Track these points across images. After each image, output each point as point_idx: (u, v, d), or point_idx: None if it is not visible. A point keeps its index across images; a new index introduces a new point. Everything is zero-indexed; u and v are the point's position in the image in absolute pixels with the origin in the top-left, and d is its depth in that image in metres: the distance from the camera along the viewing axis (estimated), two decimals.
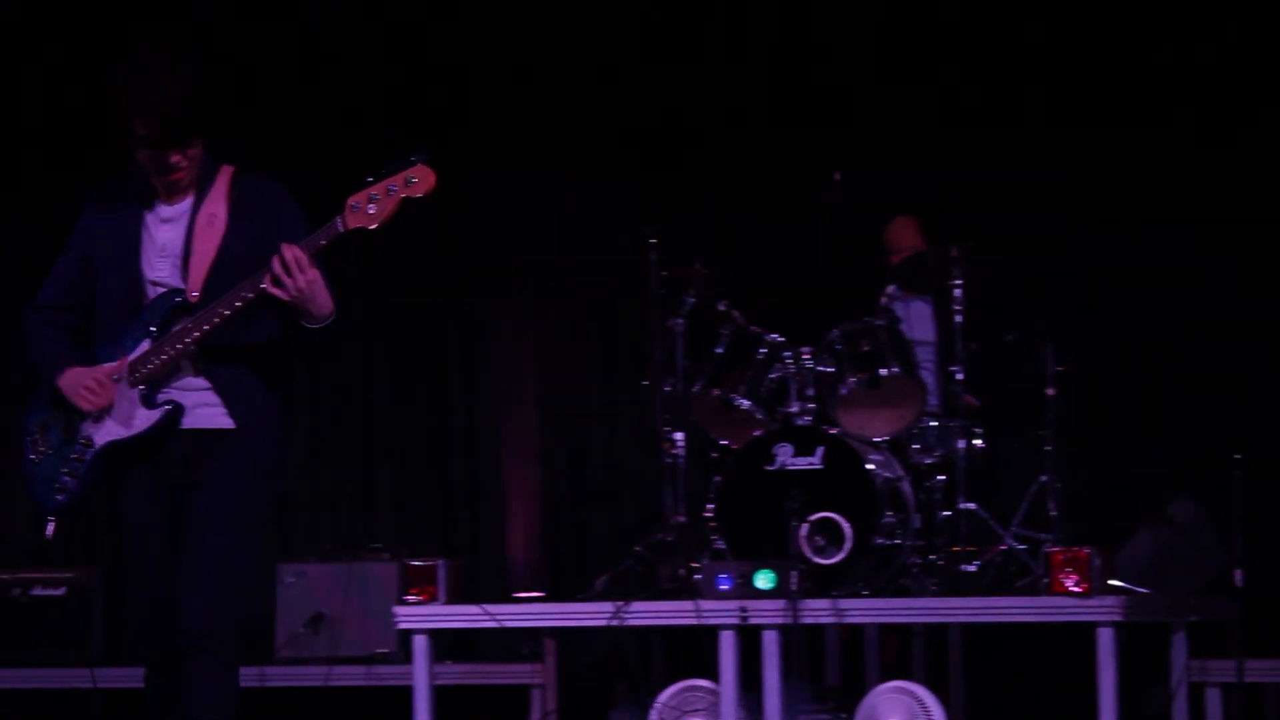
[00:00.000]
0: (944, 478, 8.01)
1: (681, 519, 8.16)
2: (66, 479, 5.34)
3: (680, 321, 8.26)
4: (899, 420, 7.97)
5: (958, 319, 8.03)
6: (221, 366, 5.34)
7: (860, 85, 9.03)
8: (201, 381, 5.34)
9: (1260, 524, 8.10)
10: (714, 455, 8.21)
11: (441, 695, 7.78)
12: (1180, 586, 7.89)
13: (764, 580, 7.43)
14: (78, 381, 5.35)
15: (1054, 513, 7.97)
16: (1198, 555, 7.99)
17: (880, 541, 7.64)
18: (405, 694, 7.76)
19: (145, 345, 5.31)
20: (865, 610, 7.55)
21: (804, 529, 7.58)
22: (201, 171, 5.40)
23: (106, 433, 5.33)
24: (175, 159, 5.27)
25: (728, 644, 7.35)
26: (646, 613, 7.56)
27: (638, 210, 8.82)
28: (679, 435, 8.24)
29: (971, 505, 7.90)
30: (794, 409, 7.94)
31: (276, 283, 5.15)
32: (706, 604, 7.45)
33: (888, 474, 7.83)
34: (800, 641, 7.39)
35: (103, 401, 5.32)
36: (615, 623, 7.51)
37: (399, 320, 9.69)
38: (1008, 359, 8.38)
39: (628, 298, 8.82)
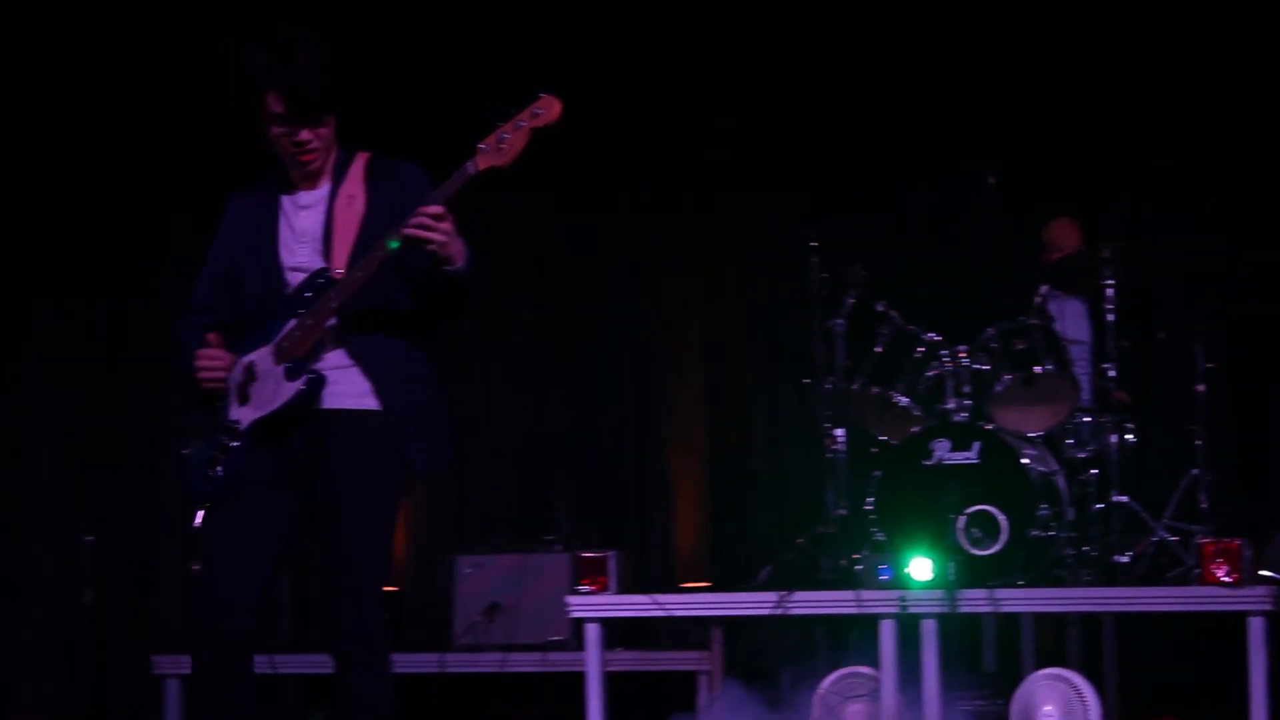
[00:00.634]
0: (1097, 471, 8.04)
1: (842, 512, 8.25)
2: (216, 467, 5.21)
3: (840, 321, 8.33)
4: (1053, 416, 8.04)
5: (1110, 318, 8.08)
6: (366, 342, 5.18)
7: (1014, 88, 9.06)
8: (342, 358, 5.19)
9: None
10: (873, 450, 8.27)
11: (612, 681, 7.79)
12: None
13: (923, 571, 7.44)
14: (198, 360, 5.25)
15: (1205, 505, 8.03)
16: None
17: (1035, 533, 7.64)
18: (578, 679, 7.79)
19: (291, 324, 5.19)
20: (1021, 600, 7.48)
21: (961, 521, 7.59)
22: (336, 159, 5.28)
23: (252, 412, 5.20)
24: (307, 135, 5.16)
25: (887, 632, 7.34)
26: (809, 602, 7.54)
27: (799, 214, 8.87)
28: (839, 431, 8.35)
29: (1124, 498, 7.96)
30: (951, 405, 7.99)
31: (420, 241, 4.99)
32: (867, 594, 7.47)
33: (1042, 468, 7.84)
34: (958, 630, 7.45)
35: (218, 368, 5.20)
36: (778, 612, 7.49)
37: (571, 324, 9.77)
38: (1159, 356, 8.44)
39: (789, 299, 8.90)
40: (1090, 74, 9.02)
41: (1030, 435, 8.03)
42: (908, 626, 7.36)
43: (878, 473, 7.97)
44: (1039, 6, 9.11)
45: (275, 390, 5.18)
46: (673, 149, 9.51)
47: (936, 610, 7.34)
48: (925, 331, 8.16)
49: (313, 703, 9.07)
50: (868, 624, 7.43)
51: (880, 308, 8.26)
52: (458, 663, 8.69)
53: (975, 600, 7.38)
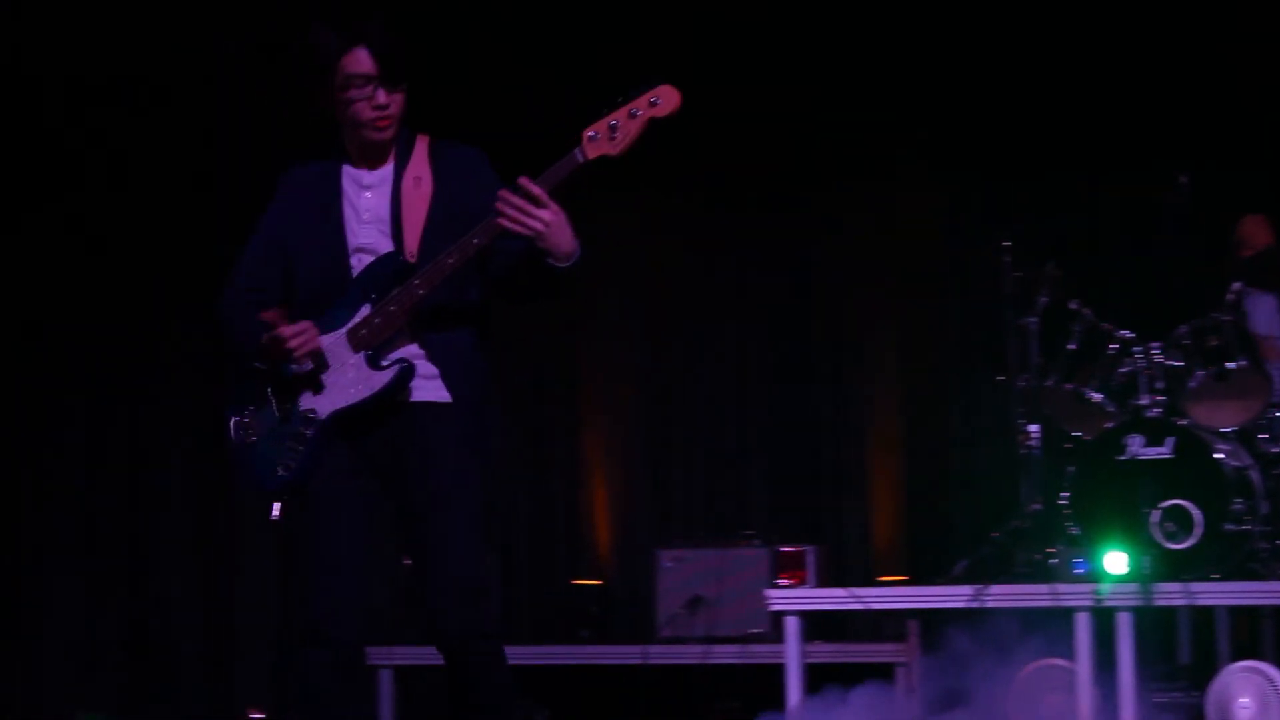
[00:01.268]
0: None
1: (1037, 507, 8.24)
2: (290, 457, 5.00)
3: (1034, 320, 8.36)
4: (1246, 411, 8.03)
5: None
6: (435, 332, 5.03)
7: (1206, 88, 9.04)
8: (416, 349, 5.03)
9: None
10: (1067, 446, 8.27)
11: (811, 672, 7.80)
12: None
13: (1118, 565, 7.45)
14: (276, 340, 5.00)
15: None
16: None
17: (1229, 527, 7.62)
18: (777, 671, 7.81)
19: (365, 310, 5.00)
20: (1215, 593, 7.47)
21: (1155, 516, 7.60)
22: (400, 139, 5.10)
23: (331, 402, 5.00)
24: (385, 99, 4.98)
25: (1083, 625, 7.35)
26: (1005, 595, 7.54)
27: (991, 215, 8.95)
28: (1034, 427, 8.34)
29: None
30: (1144, 401, 7.99)
31: (519, 222, 4.84)
32: (1062, 587, 7.46)
33: (1236, 463, 7.82)
34: (1153, 623, 7.49)
35: (310, 346, 4.98)
36: (975, 605, 7.50)
37: (770, 321, 9.84)
38: None
39: (983, 298, 8.92)
40: None
41: (1223, 430, 8.01)
42: (1103, 620, 7.37)
43: (1072, 468, 7.98)
44: (1223, 12, 9.09)
45: (358, 379, 5.00)
46: (870, 150, 9.57)
47: (1132, 604, 7.34)
48: (1118, 329, 8.17)
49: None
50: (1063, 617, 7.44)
51: (1073, 305, 8.28)
52: (659, 655, 8.76)
53: (1170, 594, 7.38)
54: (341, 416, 5.01)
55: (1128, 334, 8.17)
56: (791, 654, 7.79)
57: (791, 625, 7.82)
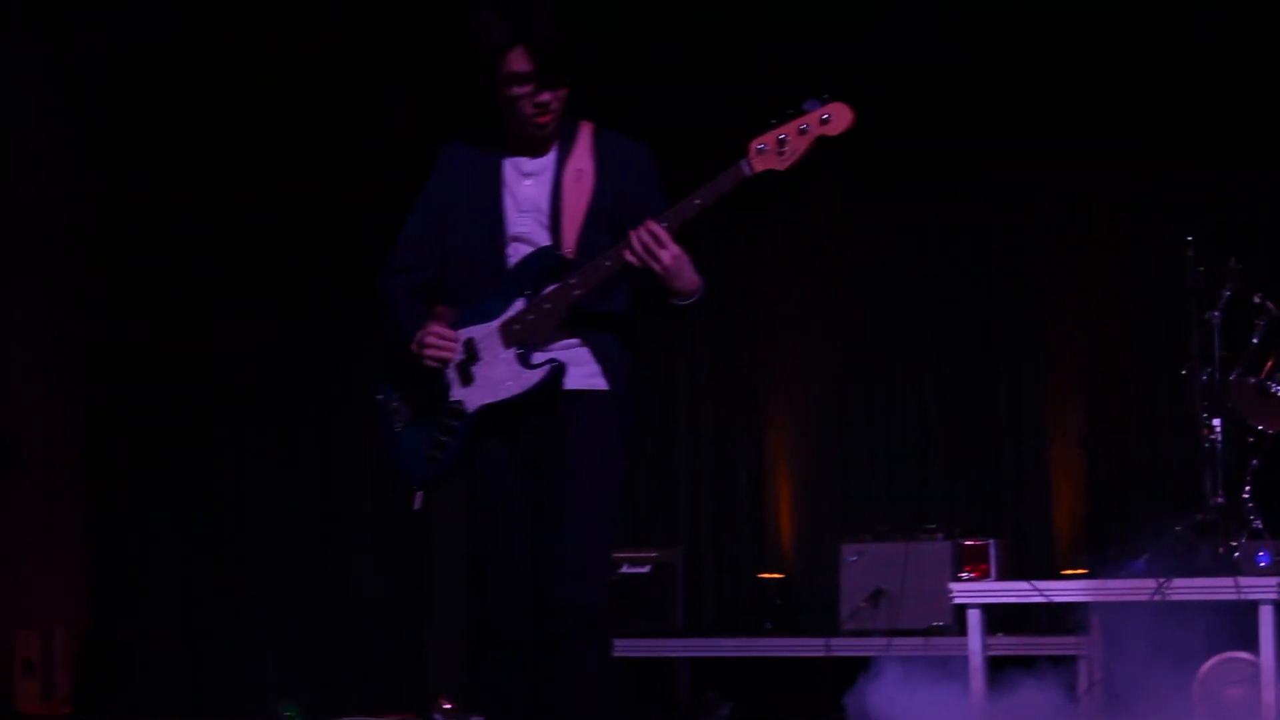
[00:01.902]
0: None
1: (1220, 500, 8.19)
2: (436, 449, 5.00)
3: (1217, 314, 8.32)
4: None
5: None
6: (587, 327, 5.02)
7: None
8: (573, 340, 5.02)
9: None
10: (1250, 440, 8.23)
11: (993, 665, 7.80)
12: None
13: None
14: (421, 339, 5.01)
15: None
16: None
17: None
18: (960, 663, 7.81)
19: (520, 305, 4.99)
20: None
21: None
22: (562, 127, 5.05)
23: (480, 397, 4.98)
24: (547, 97, 4.94)
25: (1267, 618, 7.29)
26: (1187, 589, 7.46)
27: (1174, 209, 8.85)
28: (1216, 421, 8.28)
29: None
30: None
31: (641, 259, 4.84)
32: (1246, 580, 7.40)
33: None
34: None
35: (446, 355, 4.97)
36: (1157, 598, 7.46)
37: (951, 317, 9.81)
38: None
39: (1166, 292, 8.89)
40: None
41: None
42: None
43: (1255, 462, 7.97)
44: None
45: (508, 376, 4.97)
46: (1050, 146, 9.55)
47: None
48: None
49: (706, 686, 9.31)
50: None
51: (1257, 299, 8.26)
52: (843, 647, 8.82)
53: None
54: (488, 412, 5.00)
55: None
56: (974, 646, 7.82)
57: (974, 618, 7.85)
